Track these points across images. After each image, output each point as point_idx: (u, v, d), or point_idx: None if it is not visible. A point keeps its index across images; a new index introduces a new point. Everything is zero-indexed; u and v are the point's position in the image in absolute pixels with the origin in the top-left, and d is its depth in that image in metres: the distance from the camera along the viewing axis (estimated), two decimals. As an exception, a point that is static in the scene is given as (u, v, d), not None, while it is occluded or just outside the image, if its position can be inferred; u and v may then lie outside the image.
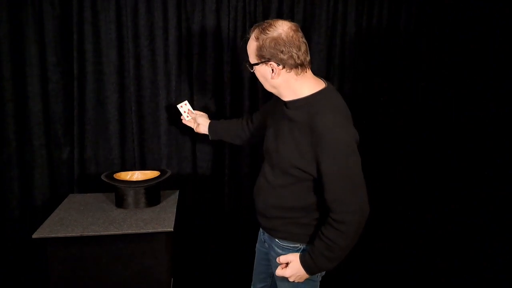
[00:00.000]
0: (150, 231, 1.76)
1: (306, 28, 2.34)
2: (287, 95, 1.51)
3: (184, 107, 2.15)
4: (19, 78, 2.13)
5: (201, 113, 2.17)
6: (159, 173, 2.10)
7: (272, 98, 1.77)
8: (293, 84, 1.48)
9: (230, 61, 2.30)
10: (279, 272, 1.56)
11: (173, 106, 2.29)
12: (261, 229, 1.81)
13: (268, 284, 1.90)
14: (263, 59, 1.44)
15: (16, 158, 2.18)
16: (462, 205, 2.71)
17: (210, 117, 2.16)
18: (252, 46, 1.47)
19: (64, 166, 2.28)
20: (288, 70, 1.45)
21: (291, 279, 1.55)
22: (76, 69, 2.17)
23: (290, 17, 2.30)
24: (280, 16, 2.30)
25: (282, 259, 1.56)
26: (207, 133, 2.10)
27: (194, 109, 2.21)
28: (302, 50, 1.44)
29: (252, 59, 1.49)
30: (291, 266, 1.53)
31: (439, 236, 2.75)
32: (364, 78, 2.49)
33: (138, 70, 2.24)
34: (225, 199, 2.46)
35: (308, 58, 1.47)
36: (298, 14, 2.33)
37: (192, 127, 2.16)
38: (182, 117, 2.17)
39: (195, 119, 2.13)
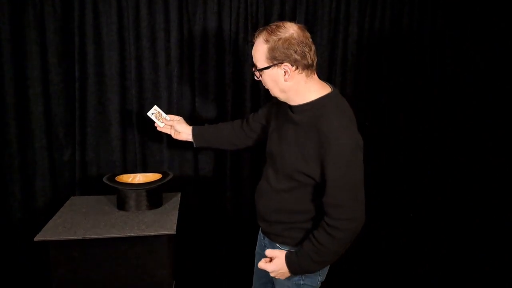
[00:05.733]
0: (152, 233, 1.75)
1: (308, 29, 2.33)
2: (295, 99, 1.49)
3: (156, 113, 1.97)
4: (21, 80, 2.13)
5: (177, 118, 2.00)
6: (161, 175, 2.10)
7: (271, 100, 1.75)
8: (302, 87, 1.46)
9: (232, 62, 2.30)
10: (262, 265, 1.54)
11: (175, 108, 2.29)
12: (261, 233, 1.80)
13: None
14: (276, 61, 1.41)
15: (17, 160, 2.17)
16: (462, 205, 2.71)
17: (211, 120, 2.15)
18: (262, 50, 1.42)
19: (65, 168, 2.27)
20: (300, 72, 1.42)
21: (272, 275, 1.54)
22: (78, 71, 2.16)
23: (292, 19, 2.30)
24: (282, 17, 2.30)
25: (268, 253, 1.55)
26: (190, 139, 1.96)
27: (194, 111, 2.20)
28: (313, 50, 1.43)
29: (262, 63, 1.44)
30: (275, 261, 1.52)
31: (438, 236, 2.75)
32: (367, 79, 2.48)
33: (140, 72, 2.24)
34: (226, 201, 2.45)
35: (316, 60, 1.46)
36: (300, 16, 2.33)
37: (169, 133, 2.00)
38: (156, 124, 1.99)
39: (172, 125, 1.97)
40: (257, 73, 1.49)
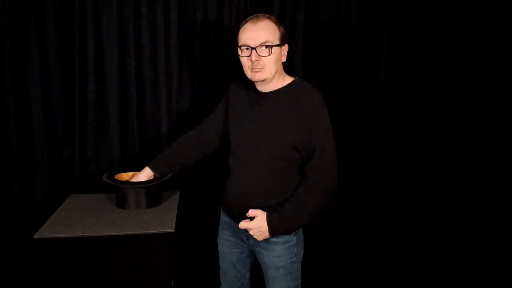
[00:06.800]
0: (151, 232, 1.75)
1: (308, 28, 2.34)
2: (274, 84, 1.62)
3: None
4: (21, 78, 2.13)
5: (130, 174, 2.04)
6: (160, 174, 2.09)
7: (222, 102, 1.84)
8: (282, 71, 1.66)
9: (232, 62, 2.30)
10: (243, 224, 1.63)
11: (174, 107, 2.30)
12: (230, 232, 1.86)
13: (243, 282, 1.94)
14: (283, 41, 1.60)
15: (17, 158, 2.18)
16: (462, 205, 2.71)
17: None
18: (275, 29, 1.58)
19: (65, 166, 2.27)
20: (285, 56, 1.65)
21: (251, 232, 1.62)
22: (78, 69, 2.17)
23: (292, 17, 2.32)
24: (283, 17, 2.31)
25: (251, 212, 1.63)
26: (153, 171, 1.94)
27: (194, 110, 2.19)
28: None
29: (276, 40, 1.57)
30: (256, 220, 1.60)
31: (438, 236, 2.75)
32: (367, 80, 2.48)
33: (140, 70, 2.24)
34: (226, 200, 2.45)
35: None
36: (300, 15, 2.33)
37: None
38: None
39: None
40: (267, 50, 1.54)
